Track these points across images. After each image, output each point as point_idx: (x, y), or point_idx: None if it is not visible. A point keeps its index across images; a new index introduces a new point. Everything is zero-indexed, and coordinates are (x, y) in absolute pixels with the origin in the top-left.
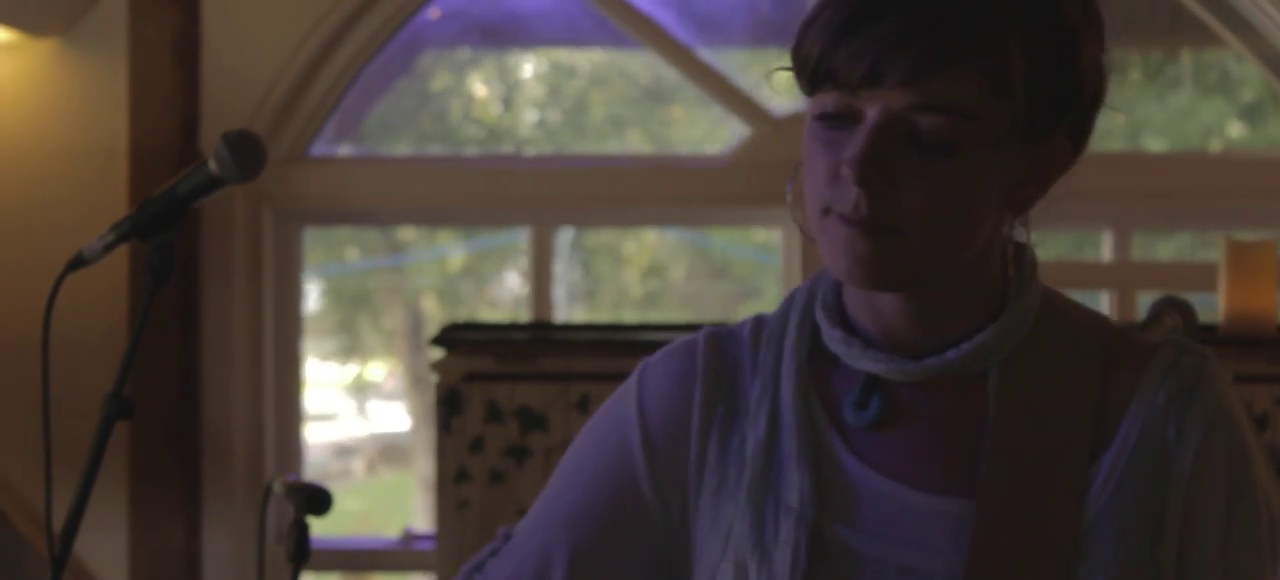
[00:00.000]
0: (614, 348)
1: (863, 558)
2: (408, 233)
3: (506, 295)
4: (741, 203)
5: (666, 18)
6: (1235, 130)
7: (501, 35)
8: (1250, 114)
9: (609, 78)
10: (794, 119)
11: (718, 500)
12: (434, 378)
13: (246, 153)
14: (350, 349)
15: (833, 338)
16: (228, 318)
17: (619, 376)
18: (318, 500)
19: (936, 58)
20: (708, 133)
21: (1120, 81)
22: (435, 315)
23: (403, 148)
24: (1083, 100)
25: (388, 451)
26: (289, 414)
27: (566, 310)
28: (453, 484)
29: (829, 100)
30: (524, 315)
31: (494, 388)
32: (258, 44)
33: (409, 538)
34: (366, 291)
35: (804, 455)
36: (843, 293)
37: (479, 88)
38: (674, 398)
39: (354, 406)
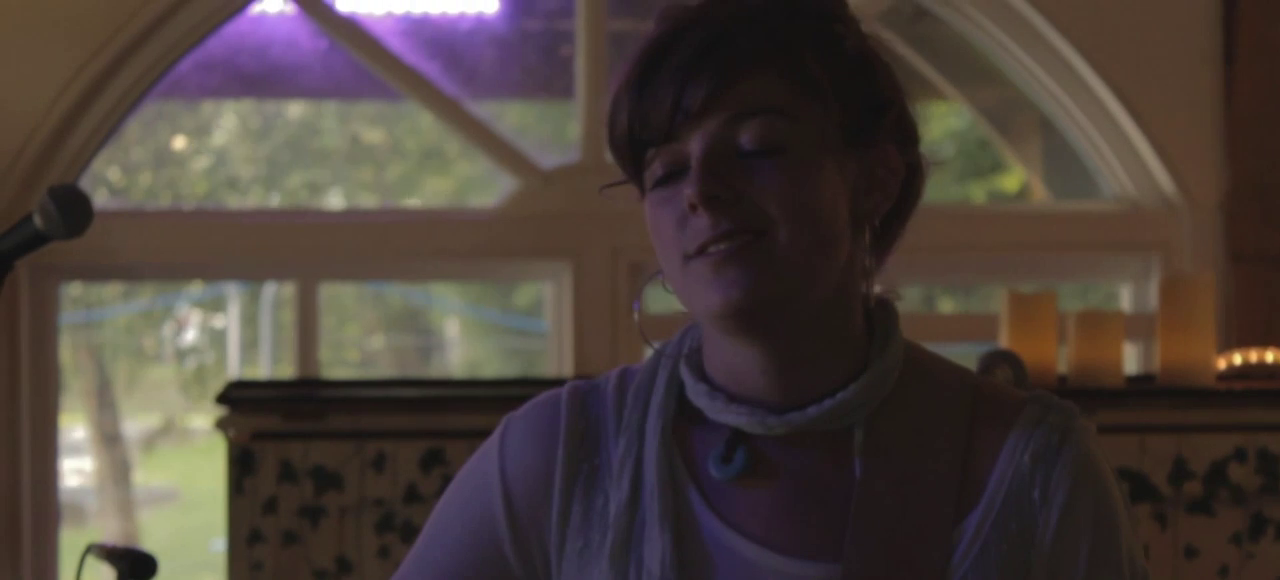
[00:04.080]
0: (402, 405)
1: None
2: (100, 291)
3: (169, 352)
4: (511, 255)
5: (432, 70)
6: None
7: (263, 87)
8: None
9: (345, 128)
10: (562, 172)
11: (582, 562)
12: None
13: (73, 208)
14: None
15: (697, 391)
16: None
17: (412, 434)
18: (142, 566)
19: (735, 66)
20: (472, 185)
21: None
22: (116, 371)
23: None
24: (891, 104)
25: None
26: (45, 474)
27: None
28: (245, 545)
29: (656, 166)
30: (194, 368)
31: (287, 446)
32: (11, 99)
33: None
34: None
35: (665, 518)
36: (703, 350)
37: (178, 140)
38: (535, 457)
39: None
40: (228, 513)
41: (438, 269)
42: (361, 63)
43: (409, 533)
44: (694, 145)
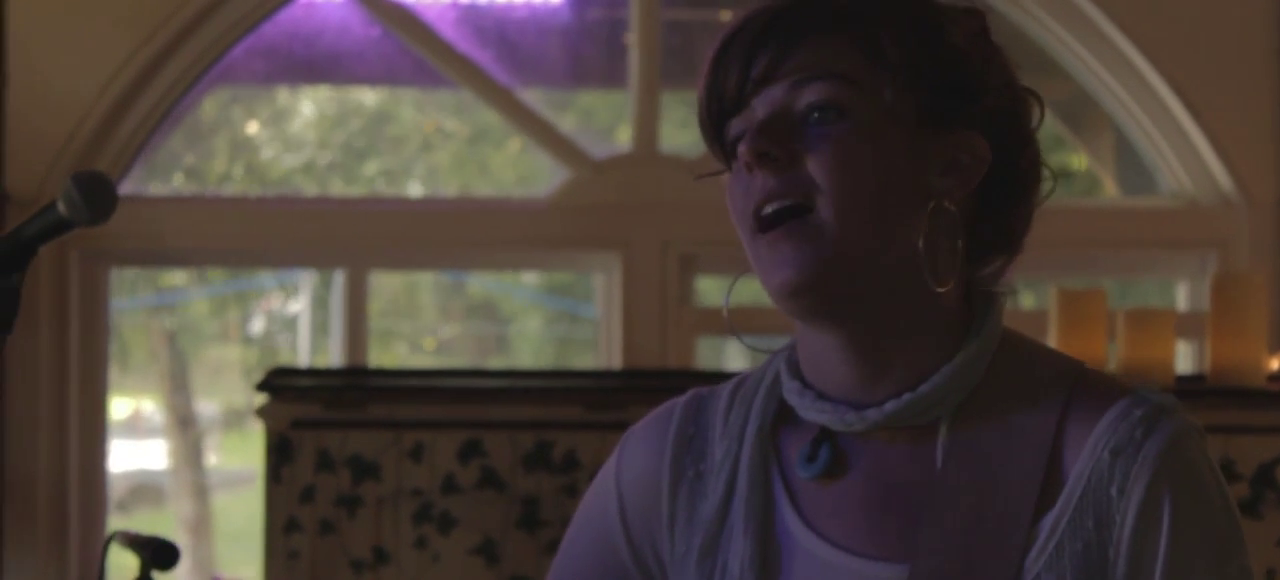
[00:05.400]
0: (443, 394)
1: None
2: (175, 275)
3: (244, 336)
4: (562, 245)
5: (485, 58)
6: None
7: (316, 74)
8: None
9: (406, 115)
10: (613, 161)
11: (683, 567)
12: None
13: (97, 194)
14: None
15: (790, 389)
16: (33, 361)
17: (451, 424)
18: (164, 554)
19: (801, 32)
20: (527, 174)
21: None
22: (190, 355)
23: (175, 186)
24: (985, 94)
25: (138, 492)
26: (94, 461)
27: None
28: (282, 534)
29: (732, 135)
30: (266, 354)
31: (325, 435)
32: (64, 83)
33: None
34: (121, 329)
35: (750, 521)
36: (799, 350)
37: (252, 125)
38: (646, 465)
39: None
40: (264, 501)
41: (488, 258)
42: (412, 50)
43: (446, 524)
44: (759, 109)
